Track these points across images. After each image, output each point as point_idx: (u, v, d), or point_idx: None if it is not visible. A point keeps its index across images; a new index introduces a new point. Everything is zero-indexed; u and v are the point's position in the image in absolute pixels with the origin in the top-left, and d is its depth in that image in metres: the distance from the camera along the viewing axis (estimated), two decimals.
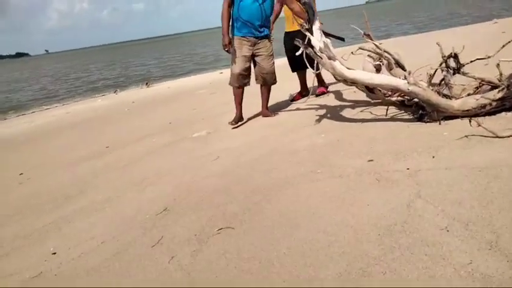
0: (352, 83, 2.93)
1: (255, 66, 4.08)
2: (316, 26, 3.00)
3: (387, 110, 3.03)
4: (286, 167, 2.51)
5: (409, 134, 2.54)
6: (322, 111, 3.82)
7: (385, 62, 3.27)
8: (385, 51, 3.20)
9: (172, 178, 2.89)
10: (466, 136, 2.25)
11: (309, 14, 3.03)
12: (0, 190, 3.78)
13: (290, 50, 4.75)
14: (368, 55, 3.93)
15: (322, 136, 3.00)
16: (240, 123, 4.09)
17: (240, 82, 4.00)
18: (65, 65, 45.46)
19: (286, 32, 4.78)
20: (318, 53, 2.93)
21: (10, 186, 3.90)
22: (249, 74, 4.04)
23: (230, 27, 3.96)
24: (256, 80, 4.13)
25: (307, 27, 3.06)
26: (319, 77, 4.86)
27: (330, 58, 2.90)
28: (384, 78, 2.78)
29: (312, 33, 2.99)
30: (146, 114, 7.51)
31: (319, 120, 3.50)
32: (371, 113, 3.28)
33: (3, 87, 26.05)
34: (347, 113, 3.53)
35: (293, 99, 4.89)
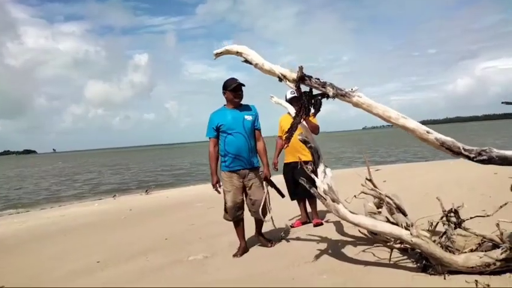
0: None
1: (246, 199, 4.03)
2: (321, 169, 3.15)
3: (390, 254, 2.98)
4: None
5: None
6: (323, 246, 3.76)
7: (386, 206, 3.34)
8: (386, 196, 3.30)
9: None
10: None
11: (314, 157, 3.21)
12: None
13: (289, 180, 4.91)
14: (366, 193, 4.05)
15: (324, 278, 2.90)
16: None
17: (234, 215, 3.94)
18: (70, 165, 46.36)
19: (285, 163, 4.97)
20: (322, 194, 3.01)
21: None
22: (243, 206, 4.00)
23: (219, 166, 3.99)
24: (249, 211, 4.07)
25: (311, 169, 3.21)
26: (315, 204, 4.93)
27: (333, 201, 2.97)
28: (387, 227, 2.81)
29: (316, 175, 3.12)
30: (142, 224, 7.39)
31: (319, 256, 3.42)
32: (373, 255, 3.22)
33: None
34: (349, 251, 3.47)
35: (292, 225, 4.86)
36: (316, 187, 3.08)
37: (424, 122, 2.75)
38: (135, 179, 21.79)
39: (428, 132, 2.60)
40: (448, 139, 2.56)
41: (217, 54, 3.55)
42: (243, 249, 3.97)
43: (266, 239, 4.17)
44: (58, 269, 4.66)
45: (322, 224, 4.75)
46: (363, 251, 3.38)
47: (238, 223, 4.04)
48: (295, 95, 4.69)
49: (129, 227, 7.19)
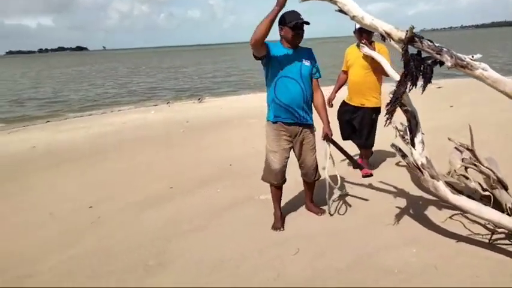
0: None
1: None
2: (418, 139, 2.81)
3: (491, 237, 2.79)
4: None
5: None
6: (398, 204, 3.58)
7: (484, 178, 3.03)
8: (488, 168, 2.97)
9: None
10: None
11: (411, 124, 2.84)
12: (73, 229, 3.79)
13: (345, 122, 4.52)
14: (455, 147, 3.72)
15: (414, 252, 2.80)
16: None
17: (279, 179, 3.36)
18: (122, 65, 47.07)
19: (345, 102, 4.52)
20: (419, 168, 2.74)
21: (83, 225, 3.90)
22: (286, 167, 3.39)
23: (268, 108, 3.32)
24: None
25: (408, 139, 2.87)
26: (367, 153, 4.62)
27: (432, 177, 2.71)
28: (494, 215, 2.55)
29: (413, 145, 2.81)
30: (202, 141, 7.52)
31: (399, 219, 3.30)
32: (465, 227, 3.03)
33: (56, 84, 27.09)
34: (433, 215, 3.29)
35: (358, 166, 4.13)
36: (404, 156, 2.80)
37: None
38: (187, 83, 21.93)
39: None
40: None
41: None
42: (281, 220, 3.45)
43: (317, 207, 3.67)
44: (132, 190, 4.89)
45: (371, 175, 4.46)
46: (450, 217, 3.19)
47: (281, 188, 3.48)
48: None
49: (189, 144, 7.35)
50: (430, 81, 2.49)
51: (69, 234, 3.68)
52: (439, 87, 11.77)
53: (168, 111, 12.26)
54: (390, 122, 2.67)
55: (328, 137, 3.39)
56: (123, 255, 3.16)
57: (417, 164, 2.76)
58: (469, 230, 2.99)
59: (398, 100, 2.61)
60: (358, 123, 4.41)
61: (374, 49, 4.11)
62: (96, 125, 10.33)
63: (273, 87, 3.19)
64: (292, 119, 3.26)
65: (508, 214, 2.69)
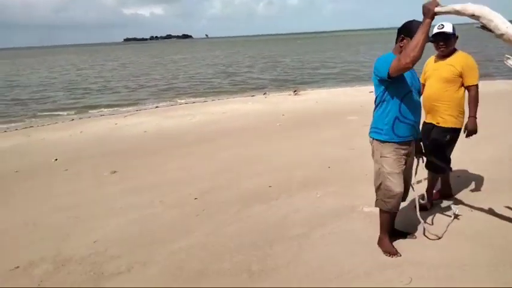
0: None
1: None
2: None
3: None
4: None
5: None
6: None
7: None
8: None
9: None
10: None
11: None
12: (180, 220, 3.98)
13: (424, 141, 3.55)
14: None
15: None
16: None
17: (399, 204, 3.06)
18: (224, 54, 49.19)
19: (424, 122, 3.75)
20: None
21: (189, 217, 4.09)
22: None
23: (381, 127, 2.98)
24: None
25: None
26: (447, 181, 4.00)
27: None
28: None
29: None
30: (298, 137, 7.43)
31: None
32: None
33: (165, 71, 29.22)
34: None
35: (429, 197, 3.81)
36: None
37: None
38: (284, 74, 22.02)
39: None
40: None
41: (437, 13, 2.58)
42: (394, 249, 3.11)
43: (403, 232, 3.36)
44: (233, 186, 5.01)
45: (426, 208, 3.80)
46: None
47: (396, 215, 3.20)
48: (444, 30, 3.43)
49: (286, 139, 7.32)
50: None
51: (177, 225, 3.89)
52: None
53: (265, 102, 12.42)
54: None
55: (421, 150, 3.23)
56: (228, 255, 3.22)
57: None
58: None
59: None
60: (429, 143, 3.68)
61: (452, 59, 3.52)
62: (199, 113, 10.91)
63: (398, 104, 2.89)
64: (414, 136, 3.03)
65: None
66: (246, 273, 2.95)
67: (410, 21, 2.85)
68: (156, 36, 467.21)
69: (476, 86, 3.52)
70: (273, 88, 16.33)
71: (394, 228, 3.38)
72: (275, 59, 36.25)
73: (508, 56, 3.09)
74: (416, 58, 2.58)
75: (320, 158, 5.90)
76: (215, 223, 3.89)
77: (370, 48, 42.17)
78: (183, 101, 13.92)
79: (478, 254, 2.99)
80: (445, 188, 4.05)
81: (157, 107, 12.85)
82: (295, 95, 13.47)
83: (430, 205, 3.88)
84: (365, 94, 11.37)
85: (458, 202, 3.91)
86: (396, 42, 2.94)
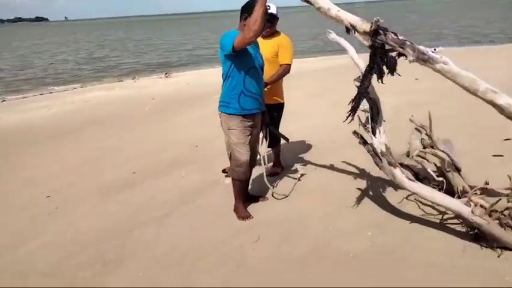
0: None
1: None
2: (379, 127, 2.81)
3: (442, 217, 2.89)
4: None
5: (466, 268, 2.40)
6: (358, 185, 3.63)
7: (440, 162, 3.10)
8: (443, 151, 3.04)
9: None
10: None
11: (373, 112, 2.83)
12: (30, 222, 3.65)
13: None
14: (415, 128, 3.78)
15: (370, 235, 2.87)
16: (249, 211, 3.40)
17: (248, 172, 3.32)
18: (86, 38, 44.67)
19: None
20: (379, 155, 2.77)
21: (39, 217, 3.77)
22: None
23: (228, 100, 3.15)
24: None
25: (369, 127, 2.87)
26: (277, 156, 4.28)
27: (390, 164, 2.74)
28: (447, 201, 2.62)
29: (374, 134, 2.82)
30: (167, 120, 7.36)
31: (360, 201, 3.35)
32: (419, 207, 3.11)
33: (15, 60, 25.51)
34: (390, 195, 3.34)
35: (271, 173, 4.13)
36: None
37: None
38: (157, 57, 21.13)
39: None
40: None
41: None
42: (247, 212, 3.38)
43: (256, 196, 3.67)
44: (94, 176, 4.75)
45: (278, 173, 4.18)
46: (406, 198, 3.27)
47: (247, 183, 3.50)
48: (270, 11, 3.56)
49: (154, 125, 7.18)
50: (394, 71, 2.46)
51: (25, 229, 3.54)
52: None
53: (134, 87, 11.86)
54: (353, 119, 2.64)
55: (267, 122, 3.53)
56: (82, 249, 3.08)
57: (376, 152, 2.78)
58: (423, 210, 3.08)
59: (363, 96, 2.58)
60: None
61: (274, 40, 3.81)
62: (57, 104, 9.88)
63: (242, 79, 3.09)
64: (258, 108, 3.25)
65: (458, 196, 2.78)
66: (100, 263, 2.86)
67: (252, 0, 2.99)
68: (2, 20, 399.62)
69: (289, 65, 3.83)
70: (145, 72, 15.64)
71: (249, 194, 3.66)
72: (146, 41, 34.60)
73: (330, 31, 3.53)
74: (258, 31, 2.78)
75: (188, 139, 5.96)
76: (69, 219, 3.65)
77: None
78: (38, 92, 12.36)
79: (318, 206, 3.43)
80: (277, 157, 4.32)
81: (3, 101, 11.18)
82: (166, 77, 13.16)
83: (281, 169, 4.28)
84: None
85: (305, 162, 4.38)
86: (240, 21, 3.09)
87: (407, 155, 3.64)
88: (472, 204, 2.50)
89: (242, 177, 3.29)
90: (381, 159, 2.77)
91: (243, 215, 3.33)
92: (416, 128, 3.72)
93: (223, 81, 3.19)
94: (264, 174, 3.61)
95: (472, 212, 2.46)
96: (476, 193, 2.66)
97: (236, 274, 2.61)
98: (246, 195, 3.59)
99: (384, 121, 2.89)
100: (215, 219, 3.38)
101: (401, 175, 2.71)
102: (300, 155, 4.66)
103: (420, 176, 3.19)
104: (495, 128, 4.07)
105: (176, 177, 4.50)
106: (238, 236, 3.08)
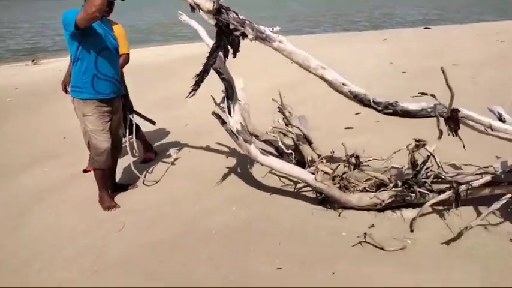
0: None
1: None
2: (234, 106, 2.94)
3: (295, 187, 3.17)
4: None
5: (312, 229, 2.69)
6: (226, 167, 3.72)
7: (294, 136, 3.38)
8: (296, 126, 3.32)
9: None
10: (360, 243, 2.48)
11: (228, 92, 2.93)
12: None
13: None
14: (279, 107, 4.07)
15: (234, 210, 3.01)
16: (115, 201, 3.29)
17: (110, 161, 3.17)
18: None
19: None
20: (235, 133, 2.89)
21: None
22: None
23: (80, 85, 2.96)
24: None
25: (223, 107, 2.98)
26: (145, 142, 4.19)
27: (246, 141, 2.89)
28: (295, 171, 2.88)
29: (229, 113, 2.93)
30: (34, 111, 6.63)
31: (225, 177, 3.48)
32: (280, 179, 3.36)
33: None
34: (256, 171, 3.54)
35: (145, 159, 4.10)
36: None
37: None
38: (23, 43, 18.55)
39: (344, 84, 2.52)
40: (360, 92, 2.53)
41: None
42: (113, 202, 3.28)
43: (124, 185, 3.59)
44: None
45: (152, 159, 4.14)
46: (270, 172, 3.50)
47: (112, 171, 3.43)
48: None
49: (17, 116, 6.41)
50: (238, 51, 2.56)
51: None
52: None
53: None
54: (194, 94, 2.69)
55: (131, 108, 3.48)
56: None
57: (233, 130, 2.91)
58: (282, 182, 3.34)
59: (207, 72, 2.63)
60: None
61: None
62: None
63: (94, 61, 2.92)
64: (115, 93, 3.12)
65: (308, 166, 3.08)
66: None
67: None
68: None
69: (128, 54, 3.74)
70: (9, 60, 13.68)
71: (116, 183, 3.53)
72: (7, 25, 30.23)
73: (181, 13, 3.54)
74: (100, 6, 2.61)
75: (57, 130, 5.46)
76: None
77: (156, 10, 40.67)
78: None
79: (190, 188, 3.47)
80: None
81: None
82: (34, 64, 11.75)
83: (155, 154, 4.21)
84: None
85: (179, 147, 4.37)
86: (85, 1, 2.87)
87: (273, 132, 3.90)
88: (317, 171, 2.79)
89: (103, 166, 3.14)
90: (237, 137, 2.90)
91: (108, 205, 3.21)
92: (279, 107, 4.01)
93: (72, 65, 2.98)
94: (131, 162, 3.51)
95: (315, 178, 2.75)
96: (322, 161, 2.98)
97: (94, 265, 2.52)
98: (113, 184, 3.46)
99: (239, 101, 3.02)
100: (78, 213, 3.21)
101: (255, 150, 2.88)
102: (174, 140, 4.64)
103: (280, 150, 3.46)
104: (350, 104, 4.60)
105: (38, 172, 4.12)
106: (102, 227, 2.97)
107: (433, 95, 2.40)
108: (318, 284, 2.19)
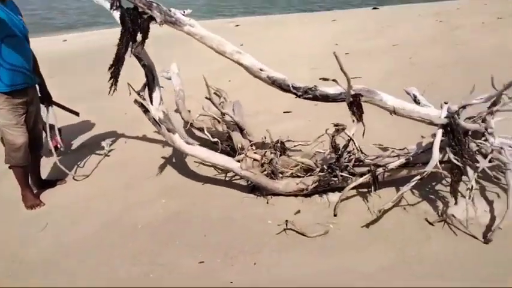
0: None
1: None
2: (156, 94, 2.81)
3: (225, 176, 3.12)
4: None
5: (240, 218, 2.67)
6: (162, 157, 3.62)
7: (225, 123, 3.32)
8: (226, 113, 3.25)
9: None
10: (285, 230, 2.49)
11: (148, 79, 2.79)
12: None
13: None
14: (215, 93, 3.97)
15: (164, 202, 2.93)
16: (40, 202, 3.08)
17: (28, 156, 2.93)
18: None
19: None
20: (157, 122, 2.78)
21: None
22: None
23: None
24: None
25: (143, 95, 2.84)
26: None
27: (169, 130, 2.79)
28: (220, 159, 2.83)
29: (151, 101, 2.80)
30: None
31: (162, 170, 3.39)
32: (214, 168, 3.28)
33: None
34: (191, 161, 3.48)
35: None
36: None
37: None
38: None
39: (261, 70, 2.47)
40: (279, 77, 2.49)
41: None
42: (37, 199, 3.08)
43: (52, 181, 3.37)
44: None
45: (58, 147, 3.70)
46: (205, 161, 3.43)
47: (35, 168, 3.21)
48: None
49: None
50: (146, 37, 2.43)
51: None
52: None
53: None
54: (115, 88, 2.54)
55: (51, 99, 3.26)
56: None
57: (155, 119, 2.80)
58: (216, 171, 3.28)
59: (121, 61, 2.49)
60: None
61: None
62: None
63: None
64: (27, 83, 2.89)
65: (239, 153, 3.03)
66: None
67: None
68: None
69: None
70: None
71: (43, 179, 3.33)
72: None
73: None
74: None
75: None
76: None
77: None
78: None
79: (121, 180, 3.34)
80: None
81: None
82: None
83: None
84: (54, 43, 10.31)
85: (114, 138, 4.19)
86: None
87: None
88: (242, 159, 2.76)
89: (21, 162, 2.93)
90: (160, 126, 2.79)
91: (32, 204, 3.02)
92: (215, 93, 3.92)
93: None
94: (55, 155, 3.32)
95: (241, 167, 2.72)
96: (251, 148, 2.94)
97: (9, 270, 2.37)
98: (39, 180, 3.27)
99: (162, 87, 2.90)
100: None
101: (180, 140, 2.80)
102: (111, 130, 4.43)
103: (213, 138, 3.38)
104: None
105: None
106: (23, 227, 2.80)
107: (334, 80, 2.38)
108: (238, 276, 2.18)
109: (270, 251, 2.34)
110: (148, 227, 2.67)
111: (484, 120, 2.43)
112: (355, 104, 2.36)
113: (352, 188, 2.65)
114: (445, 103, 2.41)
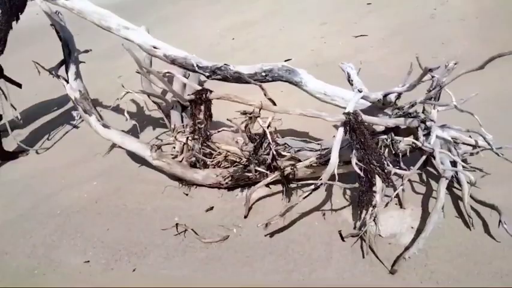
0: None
1: None
2: (72, 70, 2.56)
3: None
4: None
5: (150, 211, 2.43)
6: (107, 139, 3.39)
7: None
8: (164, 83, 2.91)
9: None
10: (184, 233, 2.22)
11: (64, 53, 2.53)
12: None
13: None
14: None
15: (94, 184, 2.80)
16: None
17: None
18: None
19: None
20: (74, 102, 2.56)
21: None
22: None
23: None
24: None
25: (55, 72, 2.60)
26: None
27: (86, 112, 2.56)
28: (133, 145, 2.57)
29: (67, 80, 2.56)
30: None
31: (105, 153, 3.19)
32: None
33: None
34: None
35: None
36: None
37: None
38: None
39: (155, 47, 2.08)
40: (179, 56, 2.09)
41: None
42: None
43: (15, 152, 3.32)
44: None
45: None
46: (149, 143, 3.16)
47: None
48: None
49: None
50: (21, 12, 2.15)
51: None
52: None
53: None
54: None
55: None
56: None
57: (71, 99, 2.58)
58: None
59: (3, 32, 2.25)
60: None
61: None
62: None
63: None
64: None
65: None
66: None
67: None
68: None
69: None
70: None
71: (5, 150, 3.34)
72: None
73: None
74: None
75: None
76: None
77: None
78: None
79: (62, 160, 3.20)
80: None
81: None
82: None
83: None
84: None
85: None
86: None
87: None
88: (152, 147, 2.47)
89: None
90: (77, 106, 2.58)
91: None
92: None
93: None
94: (9, 129, 3.26)
95: (152, 156, 2.44)
96: (181, 132, 2.62)
97: None
98: (1, 151, 3.28)
99: (83, 62, 2.63)
100: None
101: (95, 122, 2.57)
102: None
103: None
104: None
105: None
106: None
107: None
108: (110, 284, 1.99)
109: (157, 256, 2.11)
110: (64, 213, 2.57)
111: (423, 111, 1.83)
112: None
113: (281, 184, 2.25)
114: (359, 91, 1.83)
